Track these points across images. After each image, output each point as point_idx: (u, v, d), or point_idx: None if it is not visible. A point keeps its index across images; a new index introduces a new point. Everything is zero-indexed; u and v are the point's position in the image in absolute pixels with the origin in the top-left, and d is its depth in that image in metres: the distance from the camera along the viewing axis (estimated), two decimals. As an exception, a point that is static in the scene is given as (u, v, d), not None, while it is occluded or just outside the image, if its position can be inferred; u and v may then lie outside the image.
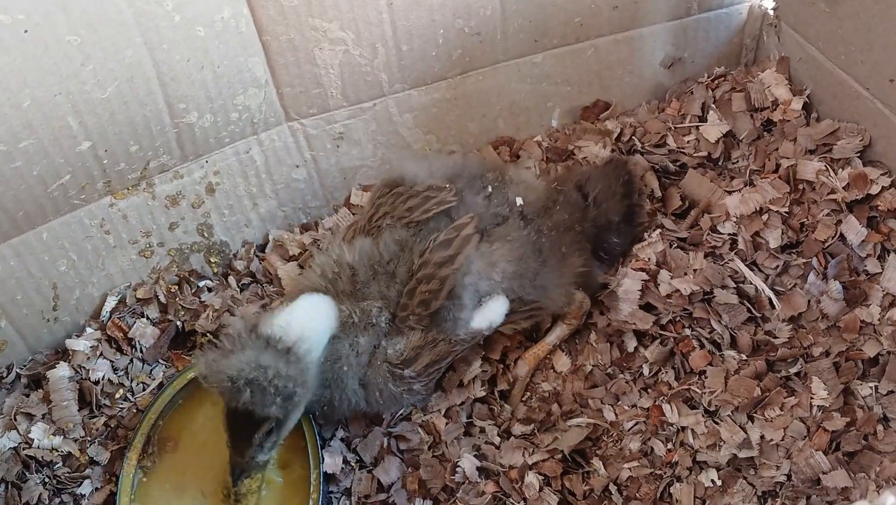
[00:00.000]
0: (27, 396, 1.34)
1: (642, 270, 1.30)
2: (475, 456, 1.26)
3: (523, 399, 1.32)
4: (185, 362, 1.37)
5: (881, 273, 1.25)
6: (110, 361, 1.37)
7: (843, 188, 1.29)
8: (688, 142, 1.46)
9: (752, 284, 1.28)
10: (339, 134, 1.45)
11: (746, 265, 1.29)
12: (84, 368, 1.35)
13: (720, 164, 1.44)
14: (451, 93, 1.45)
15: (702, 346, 1.26)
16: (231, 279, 1.46)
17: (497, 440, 1.28)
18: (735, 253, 1.31)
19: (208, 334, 1.38)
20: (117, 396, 1.35)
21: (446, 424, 1.28)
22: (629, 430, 1.26)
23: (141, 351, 1.38)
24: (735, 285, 1.28)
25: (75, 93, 1.18)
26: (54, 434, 1.29)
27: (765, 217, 1.32)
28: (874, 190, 1.28)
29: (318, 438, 1.21)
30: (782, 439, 1.19)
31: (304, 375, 1.10)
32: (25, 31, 1.11)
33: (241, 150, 1.41)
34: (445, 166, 1.31)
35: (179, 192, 1.39)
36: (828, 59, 1.35)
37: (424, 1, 1.32)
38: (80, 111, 1.20)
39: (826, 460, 1.15)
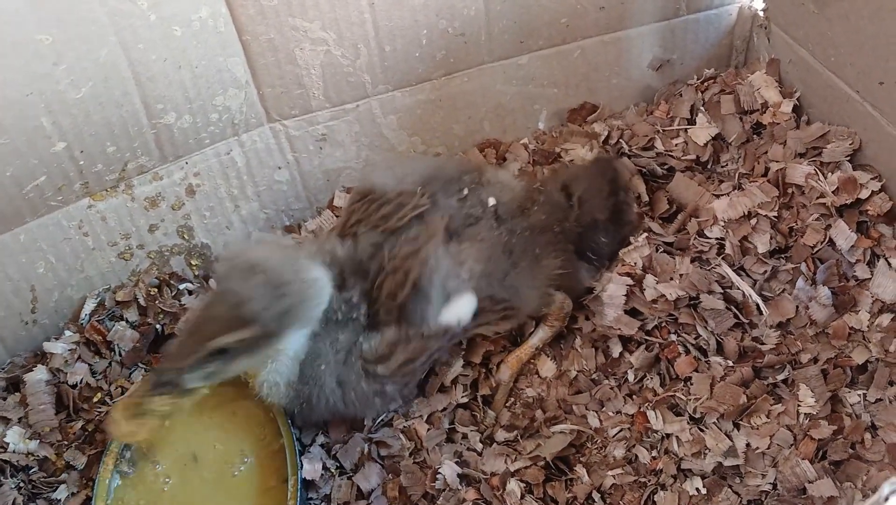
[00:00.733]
0: (4, 399, 1.32)
1: (628, 274, 1.28)
2: (457, 463, 1.24)
3: (507, 405, 1.30)
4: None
5: (870, 279, 1.23)
6: (89, 364, 1.35)
7: (832, 192, 1.27)
8: (676, 145, 1.44)
9: (739, 289, 1.26)
10: (321, 135, 1.43)
11: (734, 270, 1.27)
12: (62, 371, 1.33)
13: (709, 167, 1.42)
14: (436, 94, 1.44)
15: (687, 352, 1.24)
16: (212, 282, 1.44)
17: (479, 447, 1.26)
18: (722, 258, 1.29)
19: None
20: (95, 399, 1.33)
21: (428, 429, 1.27)
22: (613, 436, 1.24)
23: (120, 354, 1.36)
24: (722, 291, 1.26)
25: (48, 93, 1.16)
26: (30, 438, 1.27)
27: (753, 221, 1.30)
28: (864, 194, 1.26)
29: (296, 443, 1.19)
30: (768, 447, 1.17)
31: (302, 320, 1.10)
32: (-9, 29, 1.09)
33: (221, 151, 1.39)
34: (421, 169, 1.30)
35: (159, 194, 1.38)
36: (818, 62, 1.33)
37: (406, 1, 1.30)
38: (53, 111, 1.19)
39: (812, 469, 1.13)
